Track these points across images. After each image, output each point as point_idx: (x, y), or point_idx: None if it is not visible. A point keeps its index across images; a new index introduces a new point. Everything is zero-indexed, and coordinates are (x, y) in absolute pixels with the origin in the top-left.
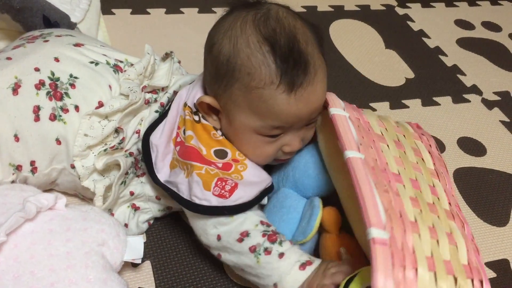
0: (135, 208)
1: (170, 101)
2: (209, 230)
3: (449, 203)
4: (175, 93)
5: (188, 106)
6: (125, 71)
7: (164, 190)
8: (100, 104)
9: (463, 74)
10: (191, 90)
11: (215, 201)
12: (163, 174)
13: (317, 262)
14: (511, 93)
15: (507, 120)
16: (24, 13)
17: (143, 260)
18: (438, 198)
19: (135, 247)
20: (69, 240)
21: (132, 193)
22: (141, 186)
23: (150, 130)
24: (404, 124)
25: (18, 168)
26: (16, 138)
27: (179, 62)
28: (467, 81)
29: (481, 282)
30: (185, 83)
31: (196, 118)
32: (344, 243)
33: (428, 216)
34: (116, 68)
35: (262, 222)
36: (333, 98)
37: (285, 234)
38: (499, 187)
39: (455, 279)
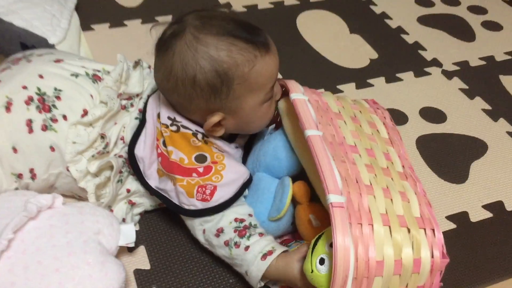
0: (132, 204)
1: (146, 104)
2: (196, 226)
3: (403, 166)
4: (148, 96)
5: (163, 123)
6: (103, 79)
7: (157, 197)
8: (85, 112)
9: (424, 49)
10: (159, 103)
11: (200, 205)
12: (153, 180)
13: (278, 250)
14: (470, 62)
15: (466, 87)
16: (0, 44)
17: (138, 245)
18: (392, 162)
19: (128, 233)
20: (68, 232)
21: (128, 191)
22: (137, 184)
23: (133, 143)
24: (361, 101)
25: (19, 176)
26: (14, 150)
27: (149, 66)
28: (428, 55)
29: (433, 230)
30: (156, 86)
31: (174, 128)
32: (314, 210)
33: (382, 179)
34: (95, 78)
35: (236, 219)
36: (293, 85)
37: (261, 213)
38: (458, 149)
39: (409, 230)
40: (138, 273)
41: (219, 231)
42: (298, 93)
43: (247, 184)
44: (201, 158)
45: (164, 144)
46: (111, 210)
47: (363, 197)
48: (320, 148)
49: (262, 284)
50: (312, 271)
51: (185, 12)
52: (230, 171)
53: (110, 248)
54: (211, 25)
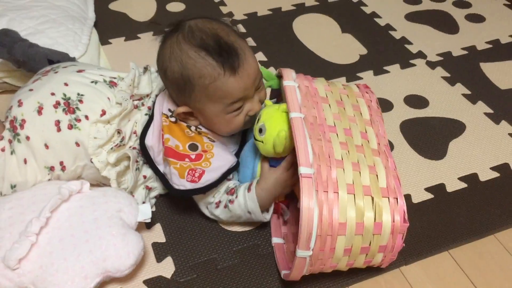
0: (149, 189)
1: (154, 103)
2: (201, 205)
3: (378, 144)
4: (156, 96)
5: (163, 113)
6: (118, 84)
7: (160, 180)
8: (103, 112)
9: (410, 43)
10: (164, 99)
11: (189, 186)
12: (161, 166)
13: (255, 180)
14: (453, 52)
15: (448, 75)
16: (29, 64)
17: (154, 223)
18: (368, 141)
19: (145, 211)
20: (95, 210)
21: (145, 177)
22: (151, 170)
23: (143, 135)
24: (351, 86)
25: (51, 169)
26: (46, 146)
27: (157, 71)
28: (414, 48)
29: (396, 198)
30: (164, 87)
31: (173, 119)
32: None
33: (354, 155)
34: (111, 84)
35: (225, 190)
36: (287, 73)
37: (247, 176)
38: (439, 130)
39: (372, 198)
40: (155, 245)
41: (218, 204)
42: (290, 80)
43: (232, 170)
44: (193, 147)
45: (164, 136)
46: (132, 195)
47: (332, 170)
48: (299, 128)
49: (268, 216)
50: (262, 142)
51: (194, 16)
52: (218, 159)
53: (130, 223)
54: (194, 36)
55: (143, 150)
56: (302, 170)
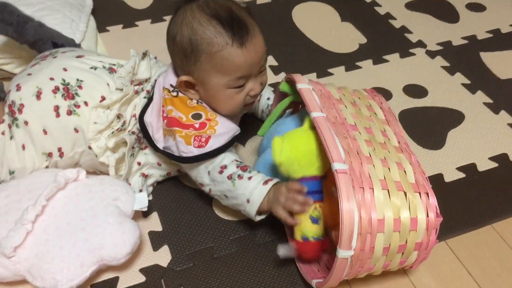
0: (145, 176)
1: (153, 87)
2: (201, 170)
3: (398, 142)
4: (155, 81)
5: (165, 88)
6: (117, 71)
7: (164, 155)
8: (103, 98)
9: (410, 32)
10: (166, 77)
11: (196, 151)
12: (160, 142)
13: (275, 180)
14: (453, 41)
15: (447, 64)
16: (38, 44)
17: (151, 211)
18: (389, 139)
19: (141, 200)
20: (91, 198)
21: (139, 163)
22: (145, 157)
23: (142, 113)
24: (360, 90)
25: (49, 155)
26: (45, 132)
27: (155, 57)
28: (413, 38)
29: (427, 194)
30: (163, 72)
31: (174, 94)
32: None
33: (380, 151)
34: (111, 70)
35: (236, 160)
36: (299, 77)
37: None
38: (437, 119)
39: (405, 194)
40: (151, 234)
41: (223, 168)
42: (304, 83)
43: (237, 138)
44: (197, 116)
45: (167, 108)
46: (129, 183)
47: (363, 166)
48: (324, 127)
49: (258, 218)
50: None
51: None
52: (222, 127)
53: (127, 212)
54: (209, 6)
55: (142, 127)
56: (336, 166)
